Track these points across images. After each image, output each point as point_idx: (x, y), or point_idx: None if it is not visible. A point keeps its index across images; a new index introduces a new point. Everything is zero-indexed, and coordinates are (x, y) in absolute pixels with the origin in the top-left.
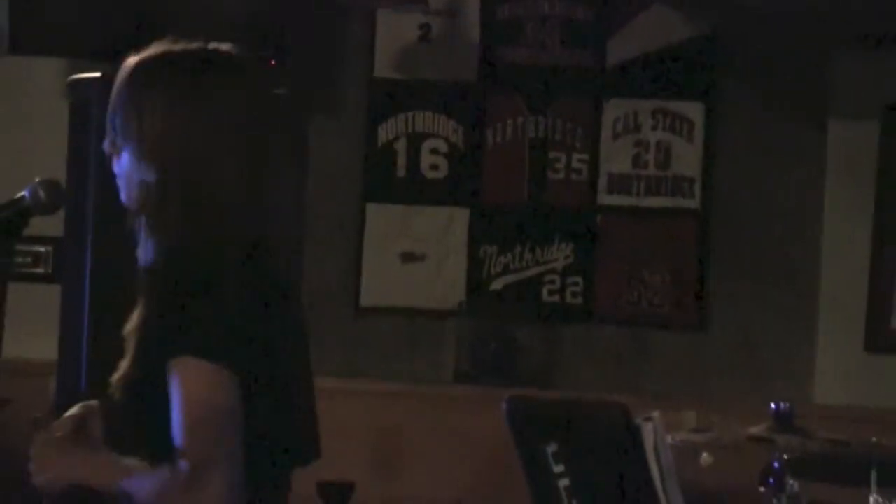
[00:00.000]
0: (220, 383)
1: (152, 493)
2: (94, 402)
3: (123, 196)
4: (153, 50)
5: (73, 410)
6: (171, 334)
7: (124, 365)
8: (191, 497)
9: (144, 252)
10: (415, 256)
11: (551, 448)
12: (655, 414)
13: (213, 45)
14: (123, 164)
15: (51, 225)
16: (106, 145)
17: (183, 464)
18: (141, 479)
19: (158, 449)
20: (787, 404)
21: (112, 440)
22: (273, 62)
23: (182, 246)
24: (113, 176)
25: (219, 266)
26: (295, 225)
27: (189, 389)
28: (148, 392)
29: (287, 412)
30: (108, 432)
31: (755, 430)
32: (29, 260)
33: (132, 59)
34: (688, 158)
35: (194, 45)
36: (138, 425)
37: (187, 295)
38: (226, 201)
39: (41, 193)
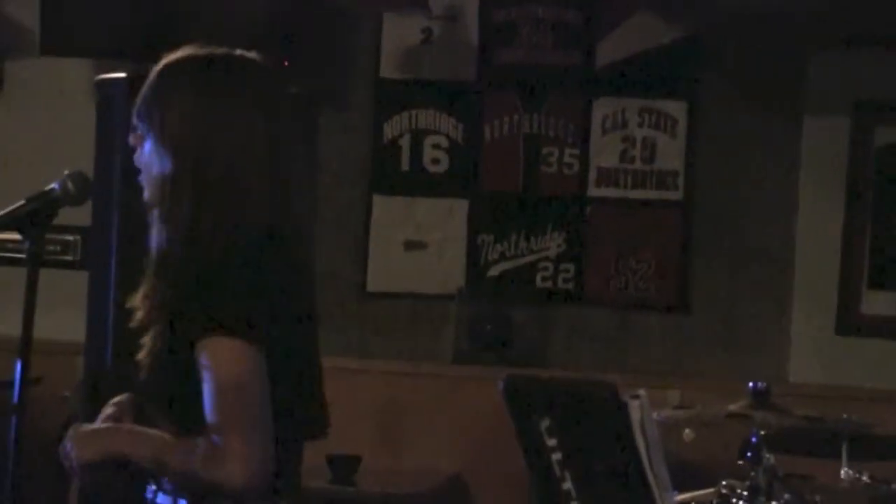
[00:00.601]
0: (249, 360)
1: (184, 463)
2: (125, 399)
3: (146, 193)
4: (181, 52)
5: (108, 410)
6: (199, 315)
7: (149, 344)
8: (222, 468)
9: (157, 238)
10: (417, 244)
11: (545, 423)
12: (642, 392)
13: (233, 50)
14: (145, 156)
15: (79, 215)
16: (130, 138)
17: (214, 437)
18: (172, 449)
19: (184, 422)
20: (764, 383)
21: (140, 416)
22: (286, 63)
23: (203, 231)
24: (136, 170)
25: (241, 250)
26: (306, 214)
27: (219, 366)
28: (173, 369)
29: (301, 387)
30: (136, 408)
31: (734, 407)
32: (58, 248)
33: (162, 61)
34: (671, 153)
35: (218, 50)
36: (164, 400)
37: (213, 277)
38: (246, 190)
39: (70, 185)
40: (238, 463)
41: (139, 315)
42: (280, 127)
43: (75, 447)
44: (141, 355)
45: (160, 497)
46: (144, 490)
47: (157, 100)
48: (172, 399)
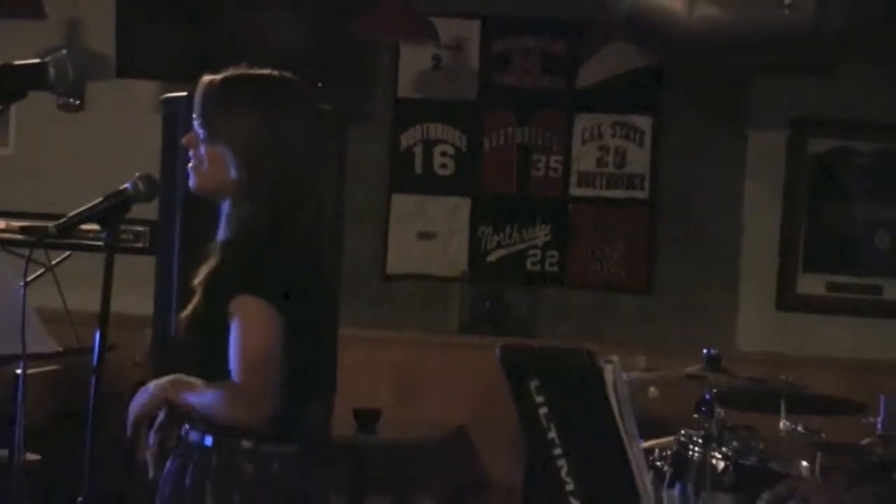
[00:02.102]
0: (269, 318)
1: (211, 404)
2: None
3: (191, 182)
4: (235, 72)
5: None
6: (235, 280)
7: (190, 306)
8: (240, 407)
9: (226, 227)
10: (428, 235)
11: (534, 384)
12: (614, 358)
13: (278, 72)
14: (200, 154)
15: (148, 210)
16: (184, 139)
17: (236, 379)
18: (203, 392)
19: (210, 374)
20: (716, 350)
21: (178, 367)
22: (320, 84)
23: (253, 219)
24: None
25: (273, 234)
26: (335, 210)
27: (245, 319)
28: (206, 326)
29: (319, 350)
30: (176, 362)
31: (691, 370)
32: (131, 237)
33: (218, 77)
34: (639, 160)
35: (265, 71)
36: (196, 354)
37: (249, 253)
38: (286, 184)
39: (140, 186)
40: (253, 403)
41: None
42: (316, 136)
43: (137, 397)
44: (183, 315)
45: (192, 434)
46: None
47: (216, 108)
48: (203, 353)
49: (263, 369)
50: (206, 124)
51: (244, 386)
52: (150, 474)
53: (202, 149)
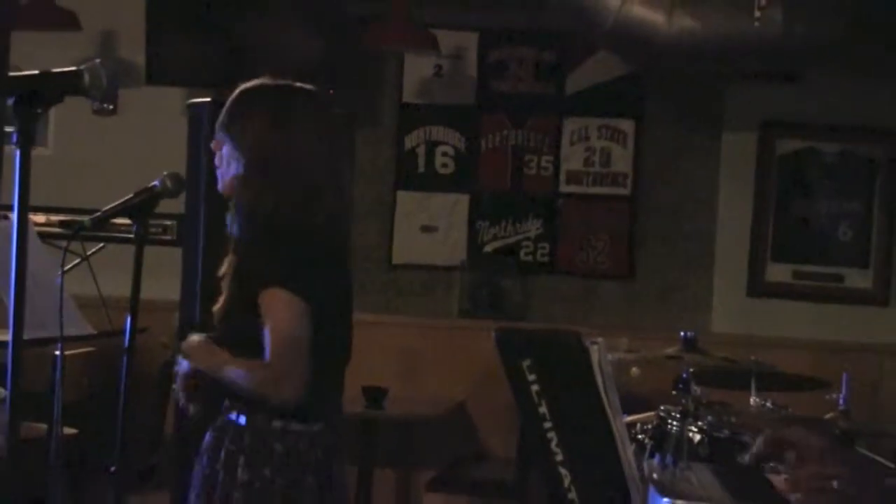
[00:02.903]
0: (296, 307)
1: (241, 378)
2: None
3: (220, 185)
4: (256, 81)
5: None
6: (263, 274)
7: (221, 300)
8: (274, 386)
9: (236, 222)
10: (430, 228)
11: (526, 363)
12: (599, 339)
13: (294, 81)
14: (223, 157)
15: (174, 205)
16: (212, 144)
17: (270, 362)
18: (234, 367)
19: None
20: (692, 333)
21: None
22: (331, 91)
23: (266, 214)
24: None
25: (294, 229)
26: (347, 205)
27: (274, 310)
28: (238, 318)
29: (338, 334)
30: None
31: (669, 351)
32: (159, 230)
33: (241, 86)
34: (622, 159)
35: (283, 80)
36: (231, 343)
37: (272, 248)
38: (302, 184)
39: (168, 183)
40: (279, 381)
41: (222, 280)
42: (329, 138)
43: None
44: (216, 308)
45: (228, 413)
46: (222, 404)
47: (237, 116)
48: (236, 341)
49: (291, 352)
50: (221, 128)
51: (272, 365)
52: (191, 415)
53: (223, 155)
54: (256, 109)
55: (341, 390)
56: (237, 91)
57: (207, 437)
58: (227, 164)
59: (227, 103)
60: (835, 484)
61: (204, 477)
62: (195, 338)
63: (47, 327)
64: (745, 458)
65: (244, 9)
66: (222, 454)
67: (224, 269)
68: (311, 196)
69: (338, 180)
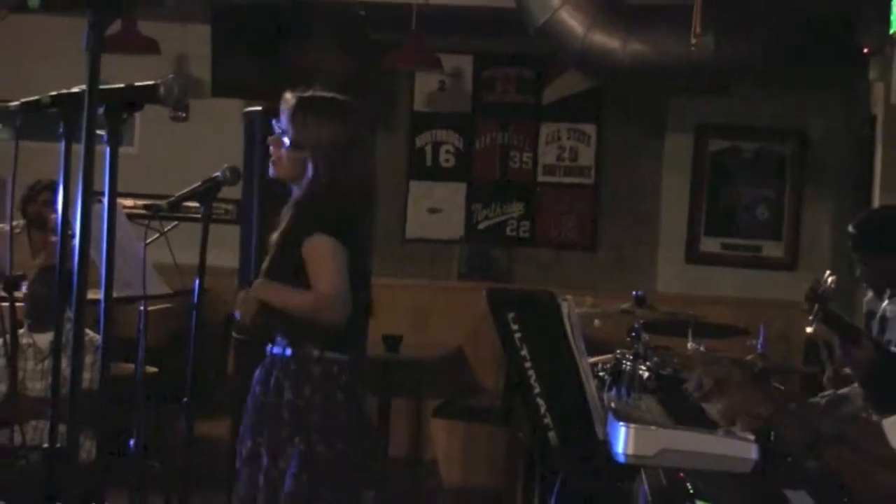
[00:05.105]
0: (338, 249)
1: (297, 305)
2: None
3: (271, 171)
4: (305, 92)
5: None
6: (311, 226)
7: (268, 257)
8: (322, 310)
9: (296, 204)
10: (436, 210)
11: (511, 315)
12: (568, 297)
13: (335, 93)
14: (281, 151)
15: (234, 191)
16: (270, 139)
17: (318, 291)
18: (290, 295)
19: None
20: (642, 292)
21: None
22: (359, 101)
23: (319, 191)
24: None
25: (340, 200)
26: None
27: (320, 249)
28: (283, 267)
29: (363, 282)
30: None
31: (624, 306)
32: (221, 211)
33: (294, 96)
34: (587, 156)
35: (327, 92)
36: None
37: (322, 209)
38: (347, 169)
39: (228, 174)
40: (336, 305)
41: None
42: (363, 136)
43: (241, 307)
44: (264, 266)
45: (275, 348)
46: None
47: (297, 117)
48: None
49: (338, 282)
50: (288, 129)
51: (326, 290)
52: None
53: (283, 149)
54: (312, 111)
55: (366, 333)
56: (295, 98)
57: (258, 372)
58: (284, 157)
59: (289, 107)
60: (760, 411)
61: (257, 403)
62: (256, 282)
63: (133, 287)
64: (691, 395)
65: (290, 36)
66: (272, 381)
67: (275, 235)
68: (353, 176)
69: (367, 166)
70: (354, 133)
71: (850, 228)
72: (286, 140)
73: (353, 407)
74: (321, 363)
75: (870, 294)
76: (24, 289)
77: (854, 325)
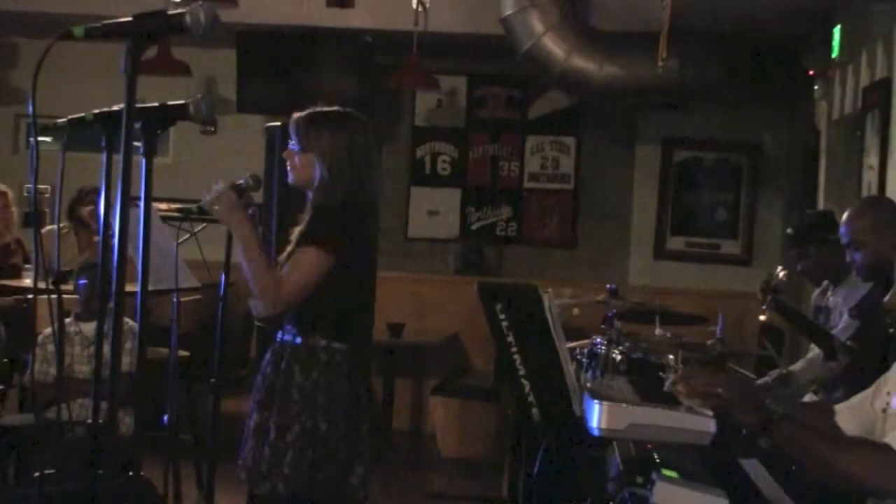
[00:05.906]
0: (319, 260)
1: (253, 275)
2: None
3: (290, 178)
4: (316, 108)
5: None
6: (307, 237)
7: (286, 252)
8: (267, 294)
9: (310, 208)
10: (434, 212)
11: (499, 306)
12: (549, 290)
13: (343, 109)
14: (295, 159)
15: (255, 196)
16: (285, 153)
17: (279, 278)
18: (258, 264)
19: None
20: (615, 285)
21: None
22: (365, 116)
23: (328, 201)
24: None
25: (344, 210)
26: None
27: (303, 256)
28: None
29: (361, 285)
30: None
31: (600, 297)
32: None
33: (306, 112)
34: (567, 165)
35: (336, 108)
36: None
37: (325, 219)
38: (354, 179)
39: (251, 181)
40: (276, 304)
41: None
42: (370, 148)
43: (221, 205)
44: (280, 258)
45: (285, 336)
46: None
47: (309, 130)
48: None
49: (299, 292)
50: (299, 141)
51: (286, 290)
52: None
53: (296, 158)
54: (324, 125)
55: (371, 323)
56: (307, 113)
57: (268, 355)
58: (300, 165)
59: (301, 121)
60: (720, 391)
61: (267, 382)
62: (219, 187)
63: (166, 282)
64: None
65: (305, 60)
66: (283, 365)
67: (296, 230)
68: (359, 186)
69: (373, 175)
70: (358, 140)
71: (788, 230)
72: (296, 149)
73: (352, 392)
74: (327, 352)
75: (817, 291)
76: (79, 283)
77: (801, 313)
